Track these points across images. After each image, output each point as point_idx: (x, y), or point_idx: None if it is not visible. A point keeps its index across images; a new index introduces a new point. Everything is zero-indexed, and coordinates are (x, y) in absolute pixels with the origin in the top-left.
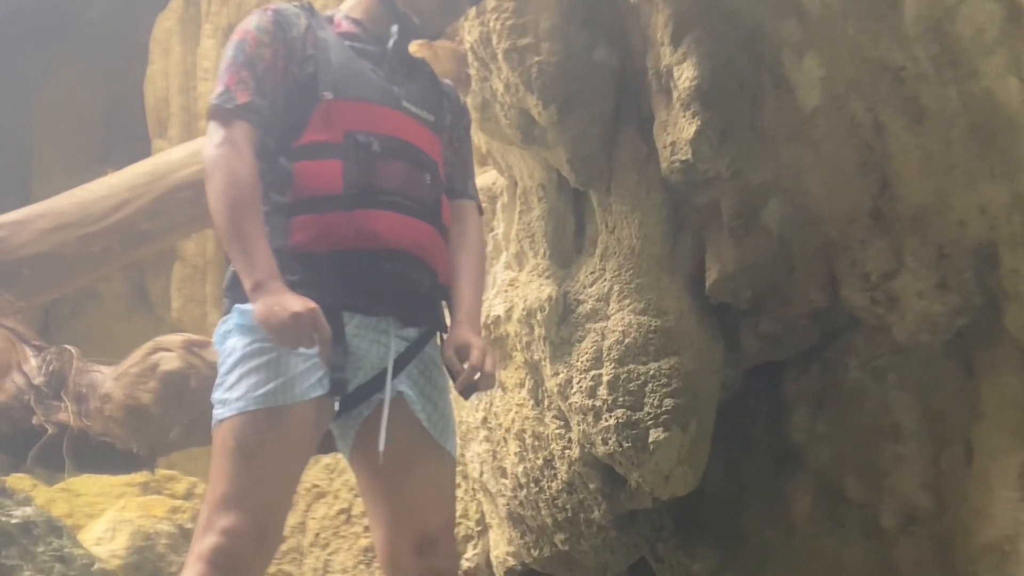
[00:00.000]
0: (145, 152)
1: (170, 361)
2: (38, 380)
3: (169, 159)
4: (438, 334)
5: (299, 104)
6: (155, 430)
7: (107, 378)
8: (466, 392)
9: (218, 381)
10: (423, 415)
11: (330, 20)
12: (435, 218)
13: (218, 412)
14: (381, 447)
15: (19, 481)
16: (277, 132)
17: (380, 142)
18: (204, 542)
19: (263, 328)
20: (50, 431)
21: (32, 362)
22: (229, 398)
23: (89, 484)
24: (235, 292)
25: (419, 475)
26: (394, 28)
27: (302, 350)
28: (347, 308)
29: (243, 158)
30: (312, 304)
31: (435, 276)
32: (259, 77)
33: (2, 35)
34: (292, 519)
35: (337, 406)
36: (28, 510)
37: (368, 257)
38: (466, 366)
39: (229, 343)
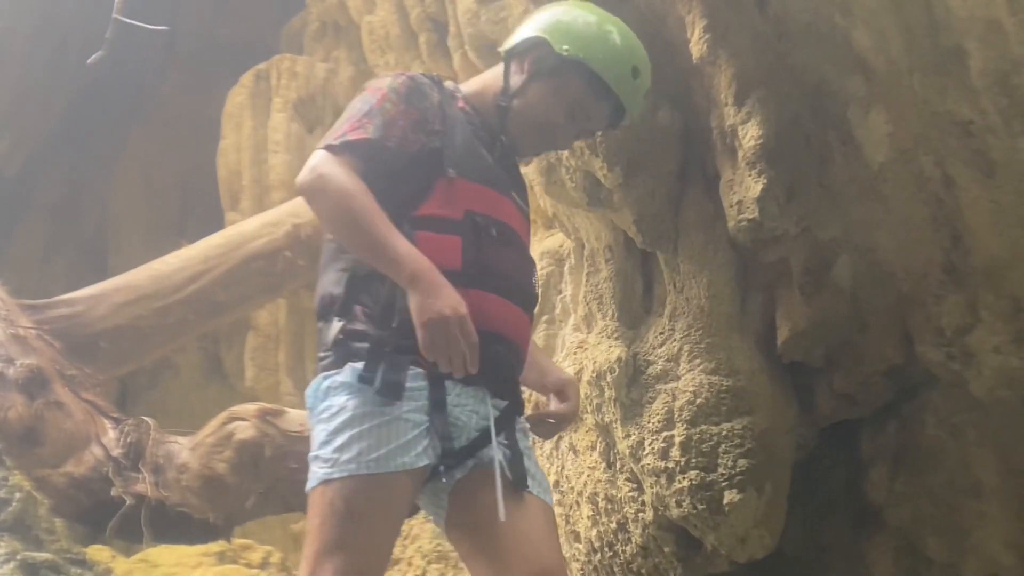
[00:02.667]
0: (218, 224)
1: (245, 430)
2: (116, 452)
3: (242, 231)
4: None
5: (421, 175)
6: (231, 499)
7: (183, 448)
8: (550, 430)
9: (323, 439)
10: (514, 474)
11: (453, 95)
12: (531, 309)
13: (324, 471)
14: (502, 515)
15: (98, 552)
16: (395, 196)
17: (496, 226)
18: None
19: (417, 320)
20: (128, 502)
21: (110, 434)
22: (339, 458)
23: (166, 555)
24: (346, 348)
25: (523, 525)
26: (503, 138)
27: (412, 416)
28: (449, 378)
29: (348, 173)
30: (464, 309)
31: (523, 363)
32: (378, 127)
33: (81, 111)
34: None
35: (444, 478)
36: None
37: (479, 335)
38: (564, 405)
39: (336, 400)
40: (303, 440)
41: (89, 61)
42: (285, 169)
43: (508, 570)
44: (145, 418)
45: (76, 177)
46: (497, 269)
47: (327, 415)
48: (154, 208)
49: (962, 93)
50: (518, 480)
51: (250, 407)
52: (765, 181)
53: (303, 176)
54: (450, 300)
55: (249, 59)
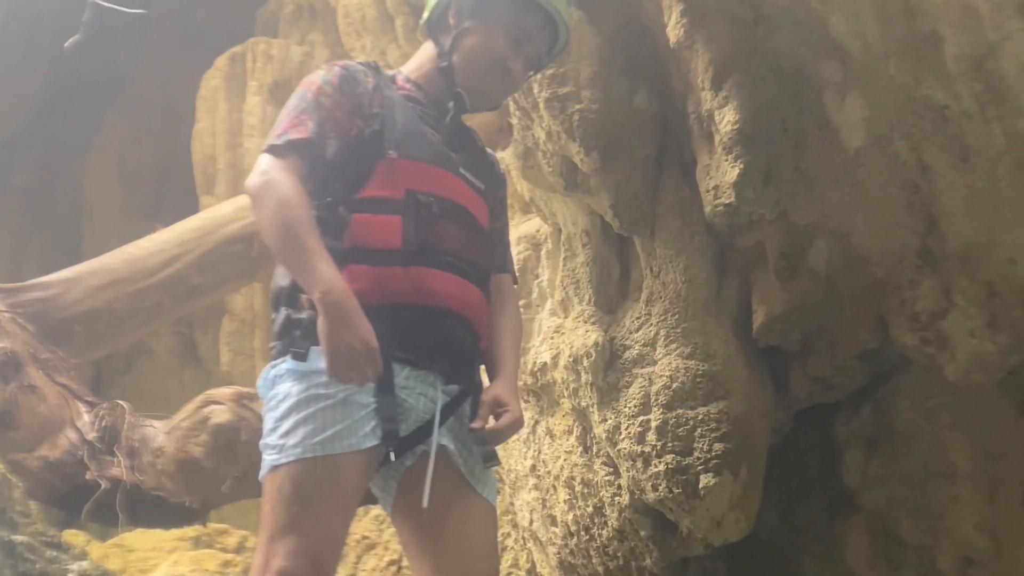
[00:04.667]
0: (193, 208)
1: (221, 414)
2: (91, 436)
3: (217, 214)
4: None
5: (361, 159)
6: (207, 483)
7: (159, 432)
8: (482, 444)
9: (270, 426)
10: (464, 467)
11: (393, 80)
12: (484, 283)
13: (272, 458)
14: (425, 502)
15: (74, 536)
16: (337, 183)
17: (439, 204)
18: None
19: (327, 350)
20: (103, 486)
21: (85, 418)
22: (285, 444)
23: (142, 539)
24: (289, 337)
25: (462, 525)
26: (451, 104)
27: (358, 397)
28: (398, 360)
29: (291, 181)
30: (375, 342)
31: (478, 339)
32: (317, 122)
33: (54, 94)
34: (343, 571)
35: (392, 456)
36: (84, 564)
37: (423, 313)
38: (499, 422)
39: (281, 388)
40: None
41: (66, 45)
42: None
43: (442, 571)
44: (120, 402)
45: (50, 161)
46: (441, 245)
47: (274, 403)
48: (128, 192)
49: (937, 78)
50: (467, 472)
51: (226, 391)
52: (742, 166)
53: (250, 180)
54: (360, 332)
55: (224, 42)
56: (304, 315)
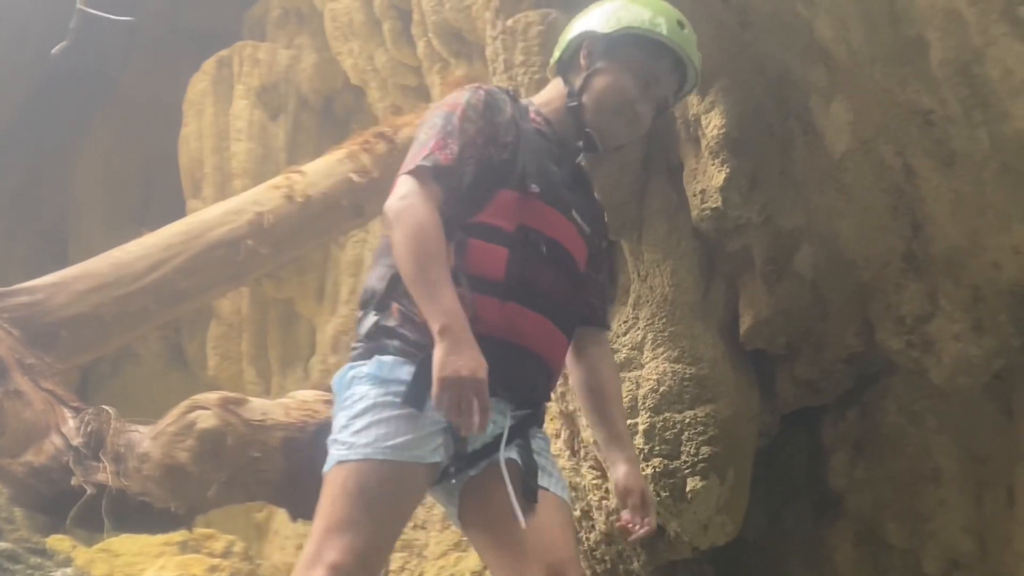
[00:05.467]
0: (180, 212)
1: (207, 419)
2: (76, 441)
3: (204, 218)
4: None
5: (484, 185)
6: (193, 488)
7: (145, 437)
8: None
9: (342, 423)
10: (539, 472)
11: (526, 110)
12: (570, 328)
13: (340, 453)
14: (523, 522)
15: (59, 542)
16: (461, 203)
17: (547, 244)
18: (312, 573)
19: (436, 374)
20: (89, 491)
21: (70, 423)
22: (356, 442)
23: (128, 544)
24: (377, 341)
25: (539, 518)
26: (580, 143)
27: (431, 413)
28: None
29: (430, 210)
30: (483, 374)
31: (553, 382)
32: (460, 148)
33: (40, 99)
34: None
35: (455, 479)
36: (68, 571)
37: (509, 351)
38: (634, 516)
39: (359, 389)
40: (265, 429)
41: (54, 51)
42: (247, 157)
43: (524, 562)
44: (105, 407)
45: (36, 165)
46: (540, 287)
47: (349, 402)
48: (115, 196)
49: (923, 83)
50: (527, 491)
51: (212, 396)
52: (728, 170)
53: (390, 202)
54: (471, 362)
55: (211, 46)
56: (391, 323)
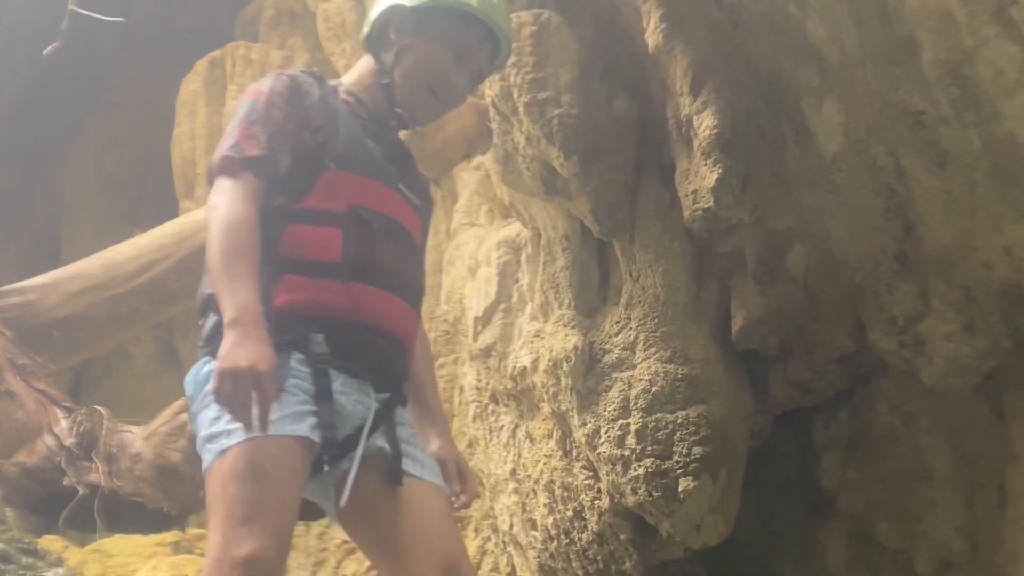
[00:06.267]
0: (173, 213)
1: None
2: (69, 441)
3: (196, 219)
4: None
5: (304, 170)
6: (185, 489)
7: (137, 438)
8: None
9: (212, 417)
10: (408, 460)
11: (335, 90)
12: (417, 304)
13: (217, 444)
14: (343, 501)
15: (51, 543)
16: (278, 193)
17: (380, 220)
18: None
19: (217, 366)
20: (81, 492)
21: (63, 424)
22: (231, 429)
23: (121, 544)
24: (219, 341)
25: (419, 511)
26: (392, 122)
27: (297, 393)
28: (334, 367)
29: (246, 206)
30: (269, 367)
31: (408, 357)
32: (269, 136)
33: (33, 99)
34: (322, 575)
35: (327, 466)
36: (60, 571)
37: (359, 330)
38: (466, 499)
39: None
40: None
41: (45, 52)
42: None
43: (411, 561)
44: (98, 407)
45: (29, 165)
46: (380, 263)
47: (209, 399)
48: (108, 196)
49: (914, 84)
50: (392, 476)
51: None
52: (720, 171)
53: (210, 199)
54: (252, 354)
55: (204, 46)
56: None
